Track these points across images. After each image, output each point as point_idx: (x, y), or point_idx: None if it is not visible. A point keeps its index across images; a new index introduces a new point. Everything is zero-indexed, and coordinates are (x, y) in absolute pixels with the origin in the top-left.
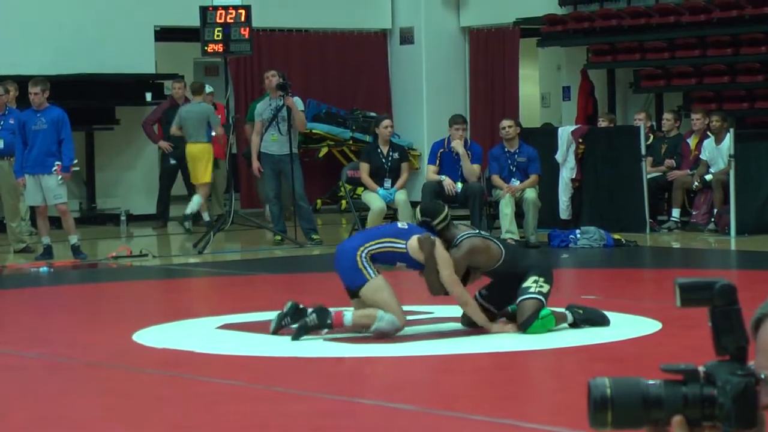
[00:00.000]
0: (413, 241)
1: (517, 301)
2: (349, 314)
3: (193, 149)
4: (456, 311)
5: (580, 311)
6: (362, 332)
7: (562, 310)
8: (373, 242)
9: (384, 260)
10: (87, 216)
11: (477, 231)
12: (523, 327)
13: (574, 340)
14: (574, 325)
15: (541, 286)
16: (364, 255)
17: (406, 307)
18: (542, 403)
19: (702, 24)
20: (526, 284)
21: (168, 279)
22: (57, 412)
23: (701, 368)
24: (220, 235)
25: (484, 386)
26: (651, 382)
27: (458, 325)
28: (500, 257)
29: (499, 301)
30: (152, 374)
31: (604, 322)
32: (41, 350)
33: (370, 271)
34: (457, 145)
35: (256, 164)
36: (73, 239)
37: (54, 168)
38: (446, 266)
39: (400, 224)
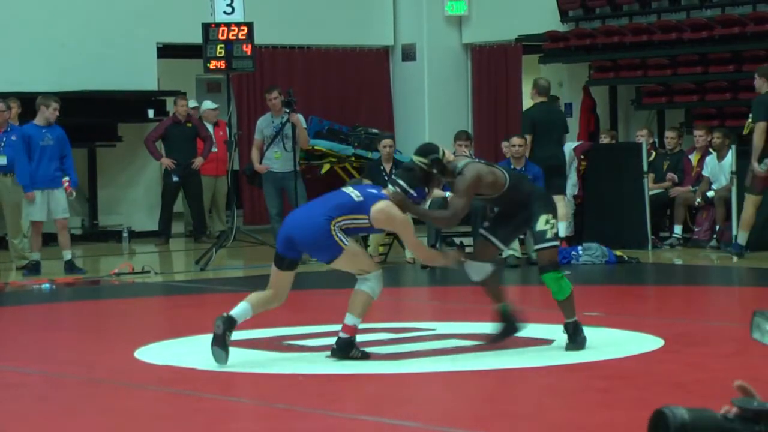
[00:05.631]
0: (376, 211)
1: (536, 248)
2: (349, 317)
3: None
4: (458, 328)
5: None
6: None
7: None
8: (340, 218)
9: (348, 233)
10: (89, 233)
11: (476, 159)
12: (542, 270)
13: (576, 357)
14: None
15: (552, 227)
16: (336, 228)
17: (409, 324)
18: (545, 420)
19: (704, 41)
20: (540, 227)
21: (170, 296)
22: (58, 430)
23: None
24: (222, 251)
25: (487, 403)
26: (721, 416)
27: (461, 342)
28: (505, 183)
29: (505, 233)
30: (154, 391)
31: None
32: (43, 367)
33: (343, 239)
34: None
35: (260, 167)
36: (68, 255)
37: (64, 184)
38: (410, 232)
39: (347, 191)
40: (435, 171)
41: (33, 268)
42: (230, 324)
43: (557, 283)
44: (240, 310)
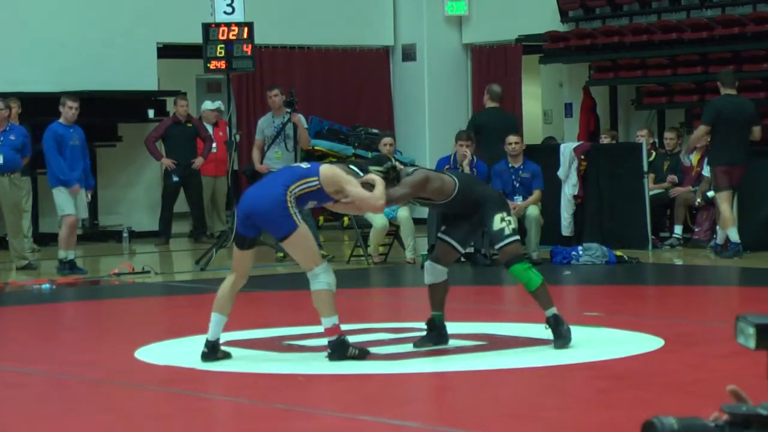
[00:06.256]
0: (323, 167)
1: (497, 247)
2: (324, 320)
3: None
4: (455, 328)
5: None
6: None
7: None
8: (294, 184)
9: (301, 203)
10: (89, 233)
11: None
12: (508, 265)
13: (576, 357)
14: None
15: (509, 223)
16: (292, 199)
17: (409, 325)
18: (545, 420)
19: (704, 41)
20: (496, 226)
21: (170, 296)
22: (58, 430)
23: (762, 411)
24: (222, 251)
25: (487, 403)
26: (712, 424)
27: (460, 342)
28: (454, 188)
29: (462, 235)
30: (154, 391)
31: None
32: (43, 367)
33: (298, 216)
34: (465, 166)
35: (261, 167)
36: (71, 254)
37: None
38: (354, 184)
39: (302, 165)
40: (391, 177)
41: (69, 266)
42: (214, 350)
43: (525, 273)
44: (214, 326)
